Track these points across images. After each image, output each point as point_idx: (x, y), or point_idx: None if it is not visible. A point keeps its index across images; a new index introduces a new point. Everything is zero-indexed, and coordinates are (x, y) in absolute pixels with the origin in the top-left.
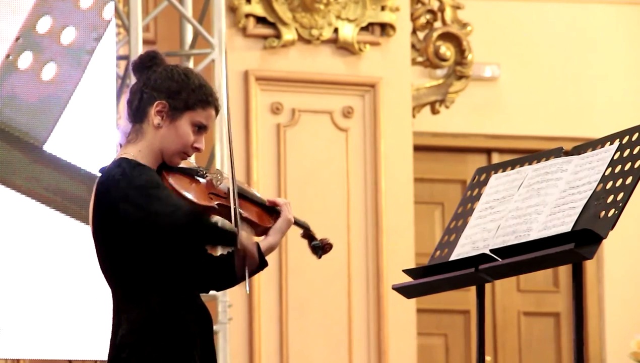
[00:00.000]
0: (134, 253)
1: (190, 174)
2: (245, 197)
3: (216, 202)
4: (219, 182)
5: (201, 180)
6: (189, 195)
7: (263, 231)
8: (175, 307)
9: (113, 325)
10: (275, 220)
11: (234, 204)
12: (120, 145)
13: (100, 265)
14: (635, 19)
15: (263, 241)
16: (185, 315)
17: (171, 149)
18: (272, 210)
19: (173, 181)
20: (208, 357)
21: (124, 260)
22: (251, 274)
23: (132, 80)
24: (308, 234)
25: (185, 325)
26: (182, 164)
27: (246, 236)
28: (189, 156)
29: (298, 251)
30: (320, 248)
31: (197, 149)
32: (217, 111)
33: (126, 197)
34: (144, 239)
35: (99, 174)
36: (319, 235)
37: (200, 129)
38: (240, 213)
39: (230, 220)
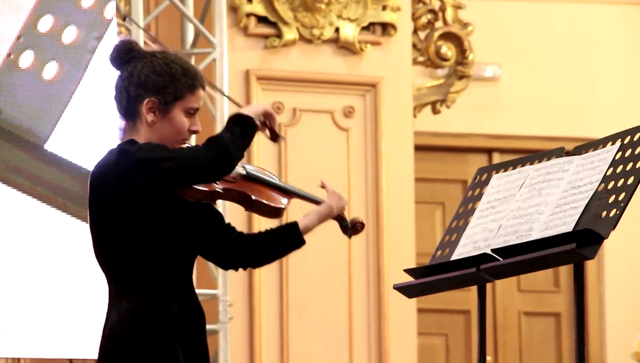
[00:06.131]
0: (128, 242)
1: None
2: (254, 178)
3: (221, 187)
4: None
5: None
6: None
7: (273, 211)
8: (161, 299)
9: (106, 315)
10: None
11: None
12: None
13: (96, 257)
14: (636, 19)
15: (301, 220)
16: (171, 307)
17: (170, 140)
18: (287, 192)
19: None
20: (196, 352)
21: (117, 249)
22: (287, 252)
23: None
24: (337, 215)
25: (170, 317)
26: None
27: (247, 108)
28: (188, 140)
29: (299, 254)
30: (349, 228)
31: (195, 132)
32: (204, 89)
33: (138, 169)
34: (144, 219)
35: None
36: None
37: (193, 113)
38: (249, 195)
39: (239, 203)
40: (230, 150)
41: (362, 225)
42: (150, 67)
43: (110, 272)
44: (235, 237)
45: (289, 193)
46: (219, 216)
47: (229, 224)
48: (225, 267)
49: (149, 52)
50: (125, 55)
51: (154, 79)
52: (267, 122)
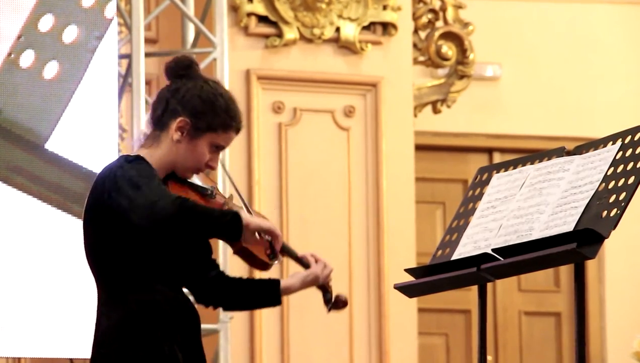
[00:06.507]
0: (117, 247)
1: (198, 191)
2: None
3: None
4: (226, 206)
5: (210, 200)
6: None
7: (261, 264)
8: (153, 303)
9: (96, 321)
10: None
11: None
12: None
13: (87, 257)
14: (636, 19)
15: (284, 280)
16: (164, 311)
17: (185, 164)
18: (281, 249)
19: (176, 193)
20: (193, 353)
21: (106, 254)
22: (260, 307)
23: (134, 78)
24: (322, 286)
25: (163, 318)
26: (201, 180)
27: (255, 219)
28: (202, 172)
29: (299, 250)
30: (330, 302)
31: (211, 167)
32: (237, 132)
33: (117, 188)
34: (128, 231)
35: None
36: (332, 289)
37: (218, 149)
38: (241, 244)
39: (230, 244)
40: (188, 219)
41: (345, 304)
42: (198, 91)
43: (99, 273)
44: (215, 275)
45: (282, 250)
46: (207, 249)
47: (214, 260)
48: (197, 300)
49: (204, 77)
50: (181, 69)
51: (196, 101)
52: (269, 240)
